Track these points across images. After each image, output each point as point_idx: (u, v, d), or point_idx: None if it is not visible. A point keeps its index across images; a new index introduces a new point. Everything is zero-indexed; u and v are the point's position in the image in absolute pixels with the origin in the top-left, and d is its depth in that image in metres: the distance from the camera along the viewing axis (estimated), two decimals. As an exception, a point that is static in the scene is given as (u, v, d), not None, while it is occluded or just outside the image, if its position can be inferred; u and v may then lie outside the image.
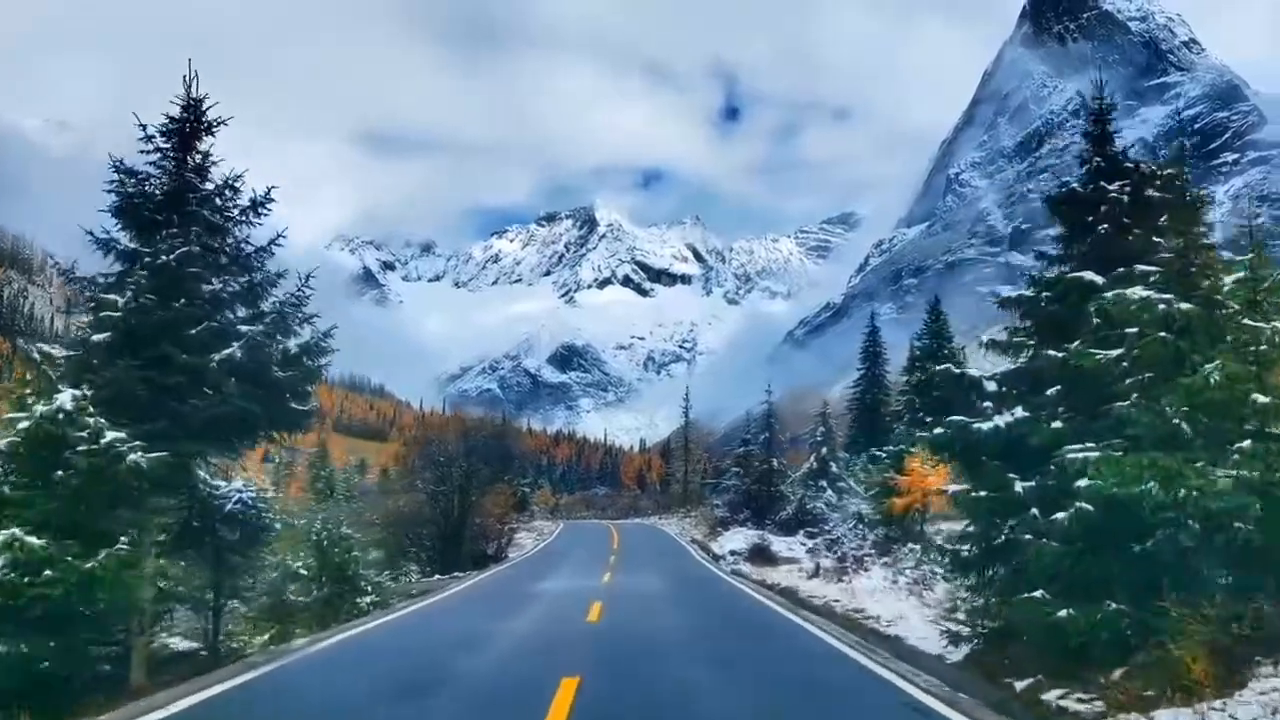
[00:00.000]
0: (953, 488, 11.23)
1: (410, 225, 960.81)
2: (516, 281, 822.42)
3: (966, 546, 10.95)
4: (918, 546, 21.14)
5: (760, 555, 29.06)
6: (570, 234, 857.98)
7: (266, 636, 14.44)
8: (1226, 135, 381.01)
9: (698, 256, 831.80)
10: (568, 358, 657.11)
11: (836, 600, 17.69)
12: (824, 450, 42.75)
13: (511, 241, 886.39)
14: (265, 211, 13.82)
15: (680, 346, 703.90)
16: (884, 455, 27.50)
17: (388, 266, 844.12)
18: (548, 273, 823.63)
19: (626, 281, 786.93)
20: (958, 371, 11.88)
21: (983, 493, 10.39)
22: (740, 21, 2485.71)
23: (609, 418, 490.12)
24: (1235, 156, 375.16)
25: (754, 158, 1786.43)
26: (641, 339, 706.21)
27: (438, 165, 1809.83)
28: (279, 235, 13.95)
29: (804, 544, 30.73)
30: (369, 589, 18.77)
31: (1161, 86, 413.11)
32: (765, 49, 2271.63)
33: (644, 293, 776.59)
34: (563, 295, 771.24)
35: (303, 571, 17.33)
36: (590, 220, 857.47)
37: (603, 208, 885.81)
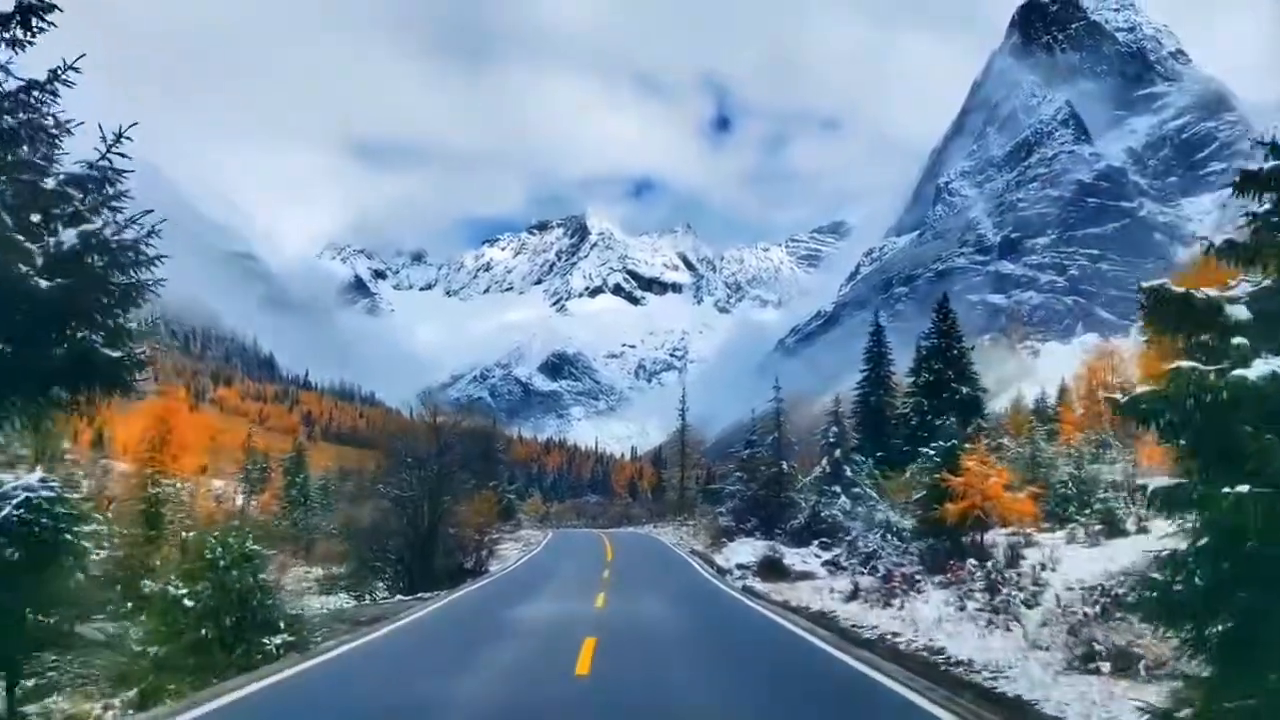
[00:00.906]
0: (1157, 482, 6.95)
1: (401, 234, 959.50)
2: (508, 290, 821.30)
3: (1178, 577, 6.43)
4: (980, 562, 17.77)
5: (772, 569, 26.58)
6: (561, 242, 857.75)
7: (99, 708, 11.07)
8: (1214, 145, 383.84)
9: (688, 265, 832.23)
10: (559, 366, 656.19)
11: (896, 634, 14.18)
12: (836, 453, 38.92)
13: (503, 250, 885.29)
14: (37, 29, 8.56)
15: (671, 355, 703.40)
16: (932, 452, 23.42)
17: (379, 275, 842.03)
18: (539, 281, 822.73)
19: (617, 290, 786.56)
20: (1179, 291, 7.10)
21: (1242, 488, 5.79)
22: (730, 33, 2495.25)
23: (600, 426, 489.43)
24: (1223, 166, 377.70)
25: (744, 167, 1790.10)
26: (633, 347, 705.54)
27: (429, 174, 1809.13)
28: (65, 69, 8.68)
29: (818, 556, 28.90)
30: (282, 624, 14.15)
31: (1149, 96, 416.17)
32: (755, 60, 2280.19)
33: (635, 301, 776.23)
34: (554, 304, 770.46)
35: (189, 603, 13.23)
36: (581, 229, 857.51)
37: (594, 216, 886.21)
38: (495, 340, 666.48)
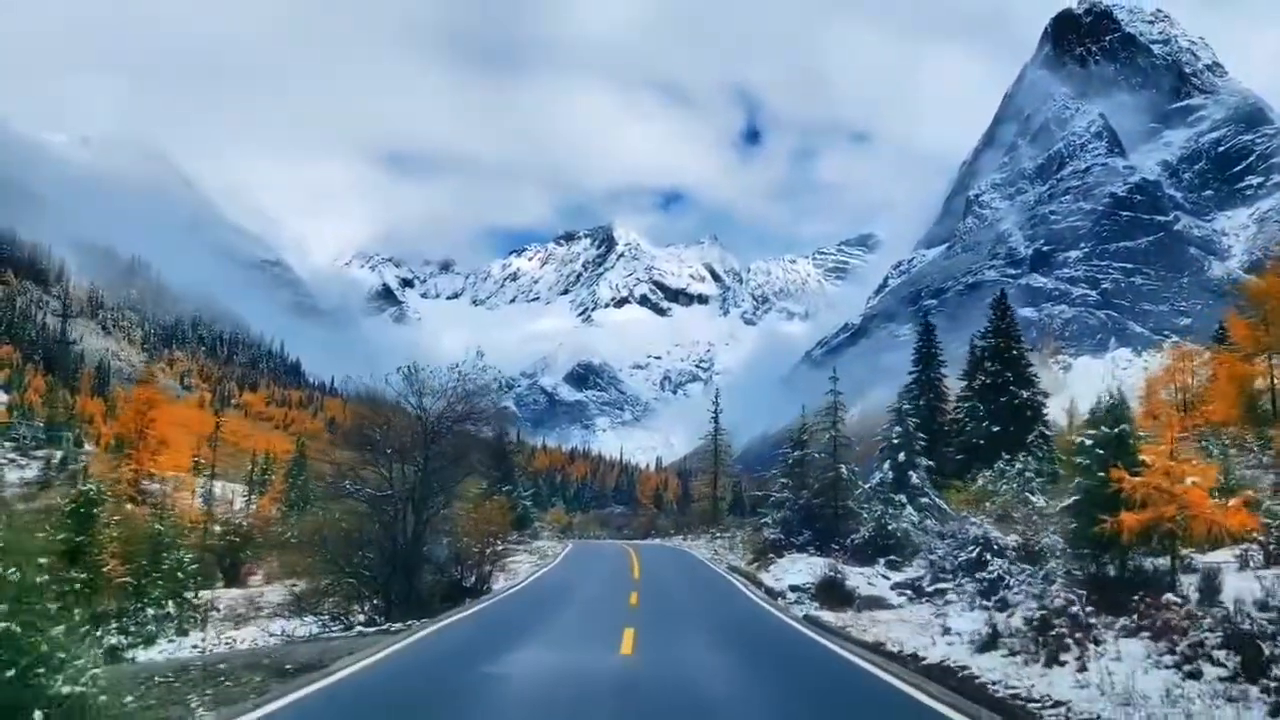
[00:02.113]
0: None
1: (429, 243, 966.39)
2: (534, 300, 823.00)
3: None
4: (1165, 594, 12.55)
5: (834, 593, 22.02)
6: (588, 253, 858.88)
7: None
8: (1251, 158, 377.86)
9: (715, 277, 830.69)
10: (584, 376, 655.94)
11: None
12: (901, 456, 33.66)
13: (530, 260, 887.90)
14: None
15: (697, 366, 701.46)
16: (1089, 443, 15.09)
17: (407, 284, 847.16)
18: (565, 291, 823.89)
19: (644, 301, 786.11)
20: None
21: None
22: (760, 45, 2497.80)
23: (625, 437, 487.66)
24: (1260, 180, 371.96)
25: (772, 179, 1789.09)
26: (658, 358, 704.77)
27: (457, 184, 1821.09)
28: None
29: (885, 577, 24.94)
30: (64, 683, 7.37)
31: (1185, 110, 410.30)
32: (784, 72, 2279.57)
33: (661, 312, 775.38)
34: (580, 314, 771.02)
35: None
36: (608, 239, 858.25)
37: (620, 227, 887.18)
38: (521, 350, 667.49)
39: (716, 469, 68.55)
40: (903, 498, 30.24)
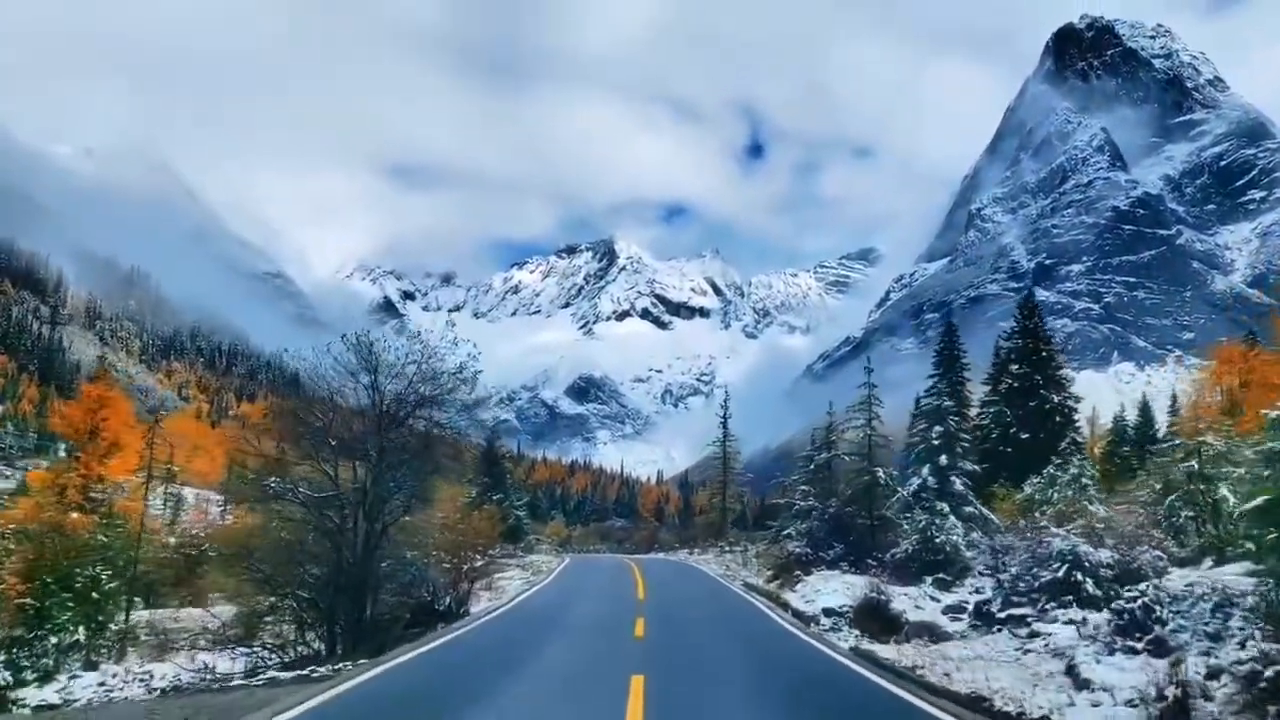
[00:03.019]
0: None
1: (431, 256, 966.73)
2: (535, 313, 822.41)
3: None
4: None
5: (878, 619, 18.47)
6: (590, 266, 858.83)
7: None
8: (1254, 172, 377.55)
9: (716, 290, 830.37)
10: (585, 389, 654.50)
11: None
12: (941, 459, 29.45)
13: (531, 273, 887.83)
14: None
15: (698, 380, 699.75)
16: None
17: (408, 296, 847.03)
18: (566, 304, 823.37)
19: (645, 314, 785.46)
20: None
21: None
22: (764, 60, 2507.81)
23: (626, 450, 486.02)
24: (1262, 194, 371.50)
25: (775, 193, 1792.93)
26: (659, 372, 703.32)
27: (459, 197, 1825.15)
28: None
29: (934, 599, 21.28)
30: None
31: (1187, 124, 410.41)
32: (788, 87, 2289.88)
33: (662, 326, 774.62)
34: (581, 327, 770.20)
35: None
36: (610, 253, 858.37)
37: (622, 240, 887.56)
38: (522, 363, 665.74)
39: (725, 477, 63.69)
40: (944, 506, 26.00)
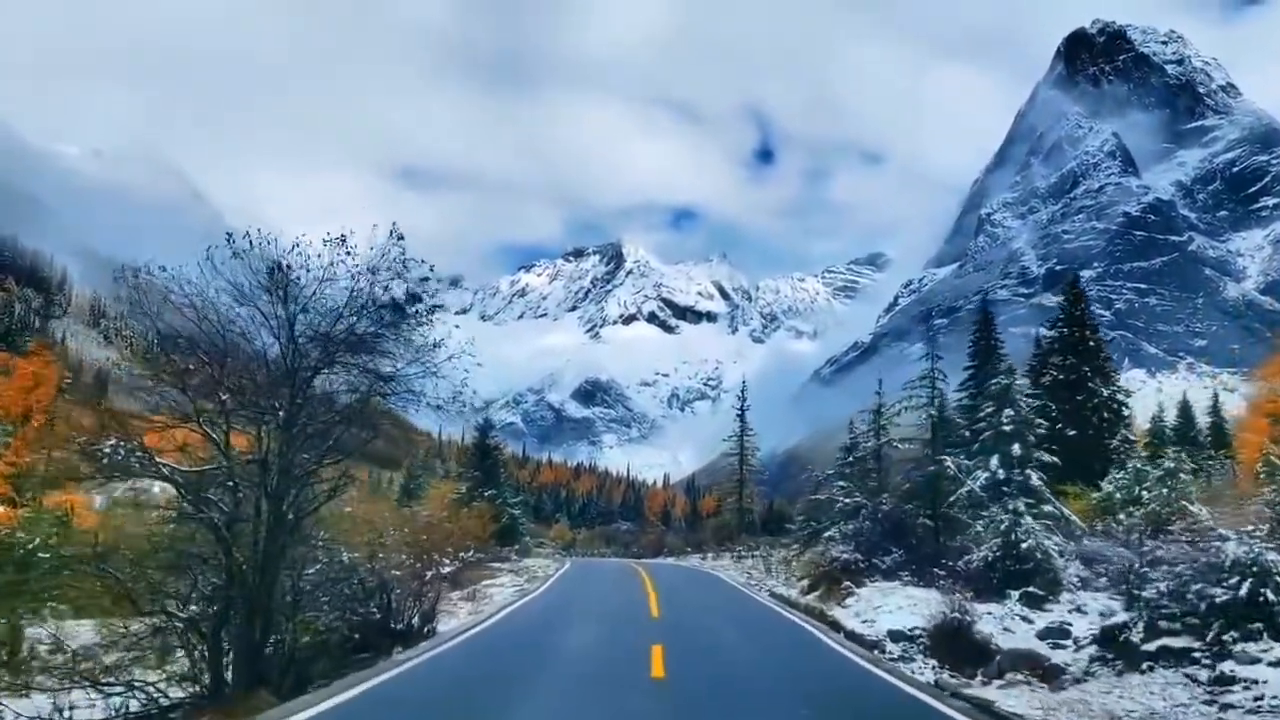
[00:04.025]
0: None
1: (438, 258, 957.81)
2: (542, 316, 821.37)
3: None
4: None
5: (960, 646, 14.66)
6: (597, 270, 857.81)
7: None
8: (1266, 179, 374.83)
9: (724, 294, 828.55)
10: (592, 393, 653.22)
11: None
12: (1014, 448, 25.01)
13: (538, 276, 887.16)
14: None
15: (705, 384, 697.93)
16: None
17: (414, 299, 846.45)
18: (573, 308, 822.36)
19: (652, 318, 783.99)
20: None
21: None
22: (772, 64, 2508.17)
23: (632, 454, 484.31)
24: (1275, 201, 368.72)
25: (783, 198, 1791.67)
26: (666, 376, 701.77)
27: (466, 200, 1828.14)
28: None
29: (1026, 619, 17.11)
30: None
31: (1199, 130, 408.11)
32: (797, 91, 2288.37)
33: (669, 330, 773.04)
34: (588, 330, 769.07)
35: None
36: (617, 256, 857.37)
37: (630, 244, 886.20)
38: (529, 366, 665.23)
39: (742, 474, 58.44)
40: (1018, 504, 21.49)
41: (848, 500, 29.43)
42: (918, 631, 16.22)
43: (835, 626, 18.04)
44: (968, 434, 29.03)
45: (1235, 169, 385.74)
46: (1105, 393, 32.18)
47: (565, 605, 23.29)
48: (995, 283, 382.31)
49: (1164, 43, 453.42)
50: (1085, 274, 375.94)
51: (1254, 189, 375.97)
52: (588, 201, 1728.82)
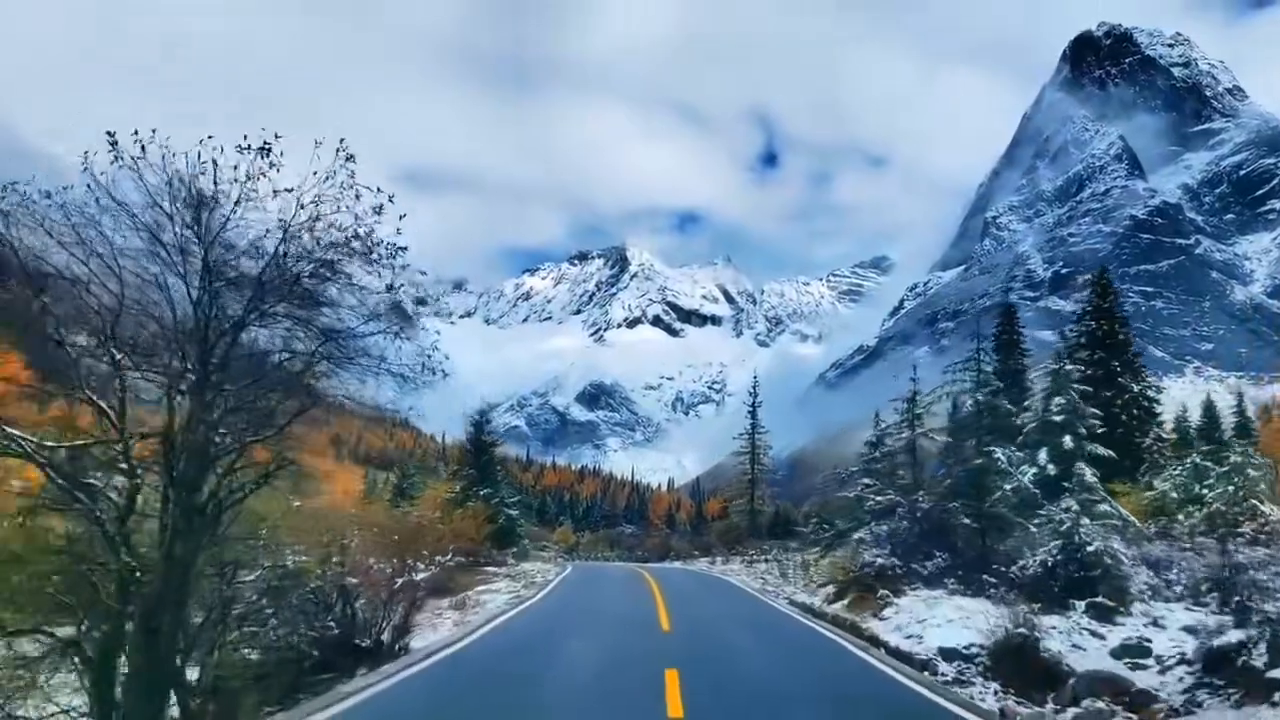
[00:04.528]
0: None
1: (443, 261, 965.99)
2: (546, 319, 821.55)
3: None
4: None
5: (1024, 665, 12.92)
6: (601, 273, 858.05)
7: None
8: (1273, 182, 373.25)
9: (728, 298, 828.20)
10: (596, 396, 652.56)
11: None
12: (1066, 440, 22.73)
13: (543, 279, 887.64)
14: None
15: (709, 388, 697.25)
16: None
17: (419, 302, 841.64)
18: (578, 311, 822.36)
19: (656, 321, 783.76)
20: None
21: None
22: (778, 68, 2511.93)
23: (636, 457, 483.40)
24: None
25: (787, 201, 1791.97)
26: (670, 379, 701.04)
27: (471, 203, 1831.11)
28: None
29: (1096, 633, 14.97)
30: None
31: (1206, 133, 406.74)
32: (802, 95, 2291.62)
33: (674, 333, 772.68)
34: (592, 334, 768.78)
35: None
36: (622, 259, 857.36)
37: (634, 247, 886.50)
38: (533, 369, 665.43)
39: (754, 473, 55.38)
40: (1072, 502, 18.76)
41: (879, 498, 27.09)
42: (974, 649, 14.09)
43: (874, 642, 15.84)
44: (1005, 427, 26.10)
45: (1242, 172, 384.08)
46: (1135, 389, 30.68)
47: (563, 616, 20.59)
48: (1001, 286, 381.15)
49: (1170, 45, 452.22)
50: (1091, 277, 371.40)
51: (1261, 192, 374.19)
52: (592, 204, 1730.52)
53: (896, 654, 14.58)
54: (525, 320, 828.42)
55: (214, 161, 9.94)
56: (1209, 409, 38.31)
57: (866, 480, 29.60)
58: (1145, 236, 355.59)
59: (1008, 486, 21.24)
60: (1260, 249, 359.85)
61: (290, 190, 10.19)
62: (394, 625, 14.84)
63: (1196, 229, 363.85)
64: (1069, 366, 24.63)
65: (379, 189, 10.60)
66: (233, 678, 10.98)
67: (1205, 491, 19.95)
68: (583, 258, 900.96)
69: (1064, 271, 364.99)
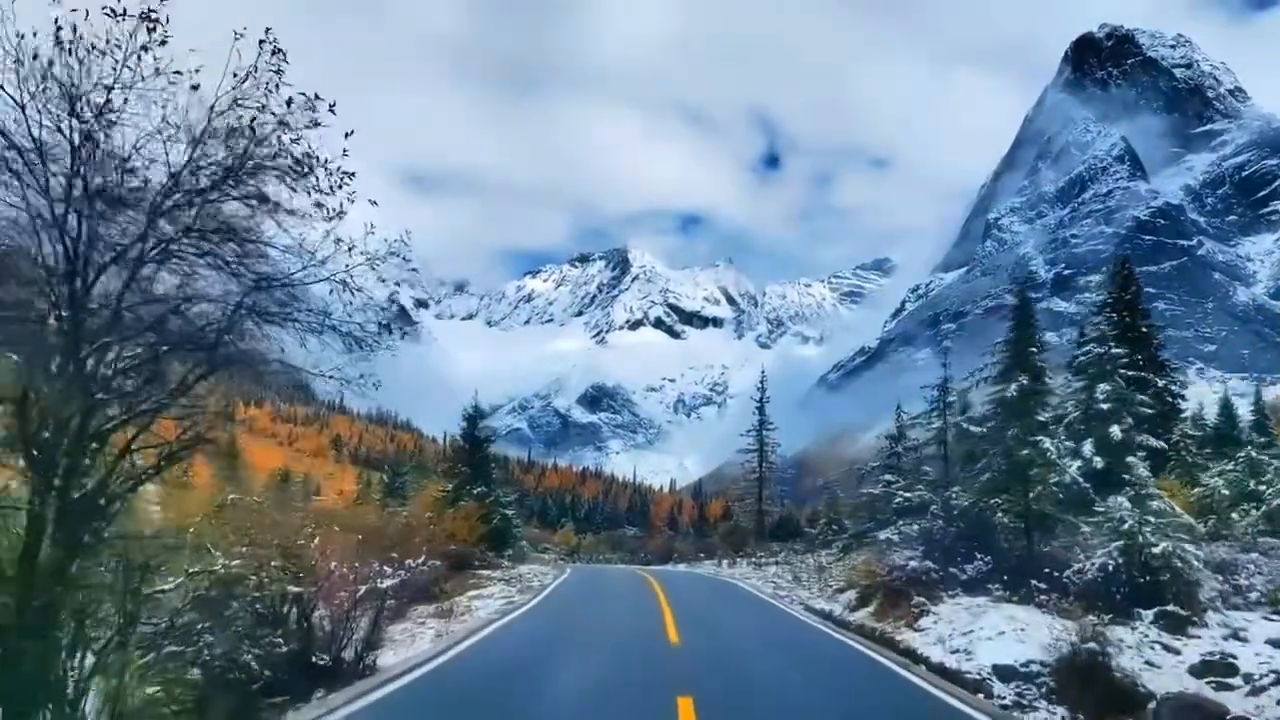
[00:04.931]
0: None
1: (445, 263, 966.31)
2: (548, 321, 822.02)
3: None
4: None
5: (1097, 687, 11.14)
6: (603, 275, 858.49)
7: None
8: (1276, 183, 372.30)
9: (730, 300, 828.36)
10: (597, 398, 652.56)
11: None
12: (1114, 430, 20.47)
13: (544, 281, 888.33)
14: None
15: (711, 390, 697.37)
16: None
17: (421, 304, 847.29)
18: (580, 313, 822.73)
19: (658, 323, 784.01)
20: None
21: None
22: (779, 70, 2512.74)
23: (638, 459, 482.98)
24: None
25: (790, 203, 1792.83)
26: (672, 381, 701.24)
27: (473, 204, 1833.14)
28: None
29: (1170, 648, 13.03)
30: None
31: (1208, 134, 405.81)
32: (804, 98, 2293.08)
33: (675, 335, 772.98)
34: (594, 336, 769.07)
35: None
36: (624, 262, 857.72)
37: (636, 249, 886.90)
38: (535, 371, 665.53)
39: (762, 471, 53.14)
40: (1124, 500, 16.65)
41: (908, 495, 24.42)
42: (1034, 667, 12.07)
43: (912, 656, 13.90)
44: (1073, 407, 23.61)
45: (1244, 173, 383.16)
46: (1160, 383, 28.99)
47: (559, 626, 18.32)
48: (1003, 287, 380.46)
49: (1172, 47, 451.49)
50: (1094, 278, 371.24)
51: (1264, 193, 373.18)
52: (594, 207, 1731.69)
53: (942, 671, 12.69)
54: (527, 322, 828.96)
55: (75, 30, 7.19)
56: (1226, 407, 37.27)
57: (888, 476, 27.47)
58: (1148, 238, 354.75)
59: (1055, 481, 18.84)
60: (1263, 250, 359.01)
61: (196, 88, 7.67)
62: (360, 639, 12.60)
63: (1199, 230, 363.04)
64: (1115, 350, 22.48)
65: (317, 95, 8.32)
66: (148, 708, 8.54)
67: (1263, 488, 18.65)
68: (584, 260, 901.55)
69: (1066, 273, 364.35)
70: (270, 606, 11.55)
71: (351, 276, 9.25)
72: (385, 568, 14.64)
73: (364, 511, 26.83)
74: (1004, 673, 12.10)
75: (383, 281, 9.83)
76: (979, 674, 12.17)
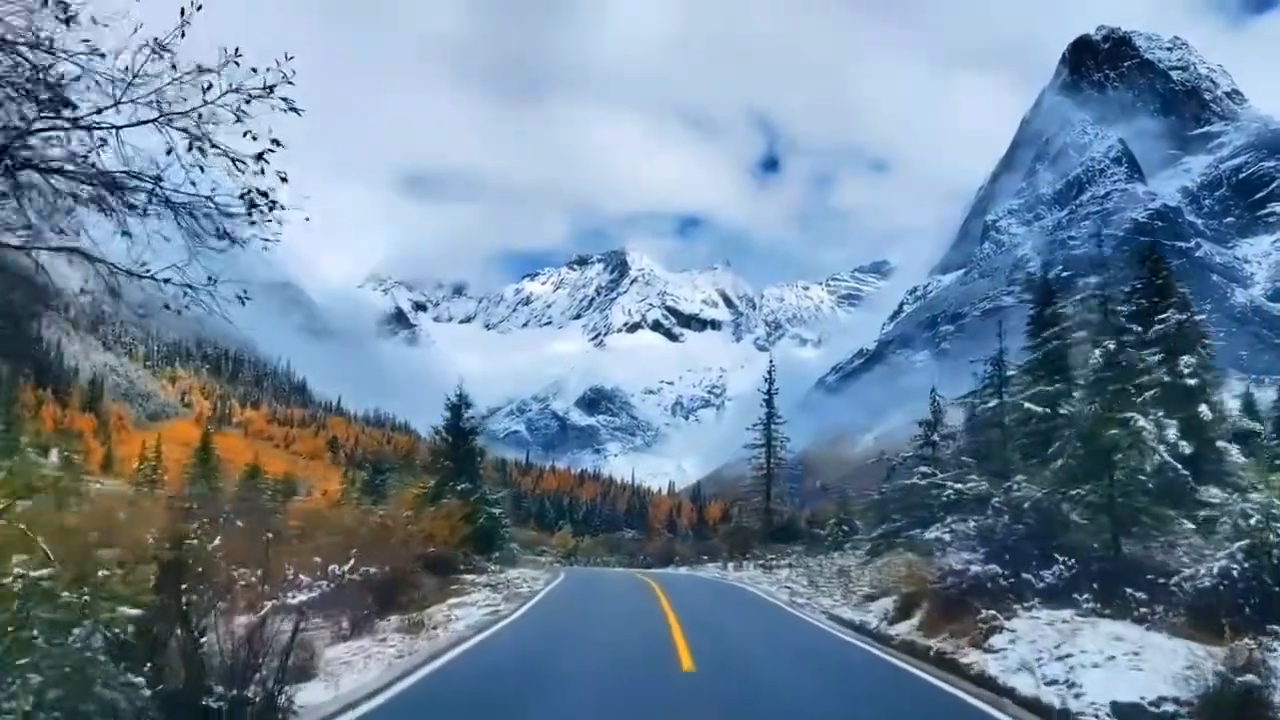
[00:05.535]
0: None
1: (443, 267, 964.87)
2: (546, 324, 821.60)
3: None
4: None
5: None
6: (601, 278, 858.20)
7: None
8: (1273, 185, 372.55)
9: (728, 303, 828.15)
10: (596, 401, 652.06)
11: None
12: (1202, 411, 17.77)
13: (543, 284, 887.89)
14: None
15: (709, 392, 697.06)
16: None
17: (419, 307, 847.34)
18: (578, 316, 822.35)
19: (656, 326, 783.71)
20: None
21: None
22: (779, 73, 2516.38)
23: (636, 462, 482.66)
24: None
25: (788, 206, 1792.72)
26: (670, 384, 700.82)
27: (472, 208, 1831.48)
28: None
29: None
30: None
31: (1205, 136, 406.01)
32: (803, 100, 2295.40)
33: (674, 338, 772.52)
34: (592, 339, 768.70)
35: None
36: (622, 264, 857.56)
37: (634, 252, 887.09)
38: (533, 374, 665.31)
39: (769, 468, 50.30)
40: (1213, 491, 14.51)
41: (961, 487, 20.80)
42: (1167, 706, 8.95)
43: (993, 687, 10.76)
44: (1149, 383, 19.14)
45: (1242, 175, 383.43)
46: (1194, 381, 26.12)
47: (545, 646, 14.89)
48: (1001, 289, 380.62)
49: (1169, 49, 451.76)
50: (1092, 280, 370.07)
51: (1261, 195, 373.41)
52: (593, 209, 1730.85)
53: (1036, 709, 9.67)
54: (525, 325, 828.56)
55: None
56: (1249, 404, 36.12)
57: (924, 468, 24.27)
58: (1145, 240, 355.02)
59: (1144, 468, 15.37)
60: (1260, 252, 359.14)
61: None
62: (272, 671, 8.09)
63: (1196, 232, 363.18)
64: (1199, 316, 19.18)
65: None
66: None
67: None
68: (583, 262, 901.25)
69: (1064, 275, 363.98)
70: (126, 632, 7.15)
71: (203, 119, 5.93)
72: (302, 576, 11.60)
73: (341, 513, 25.43)
74: (1127, 714, 9.14)
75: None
76: (1093, 713, 9.28)
